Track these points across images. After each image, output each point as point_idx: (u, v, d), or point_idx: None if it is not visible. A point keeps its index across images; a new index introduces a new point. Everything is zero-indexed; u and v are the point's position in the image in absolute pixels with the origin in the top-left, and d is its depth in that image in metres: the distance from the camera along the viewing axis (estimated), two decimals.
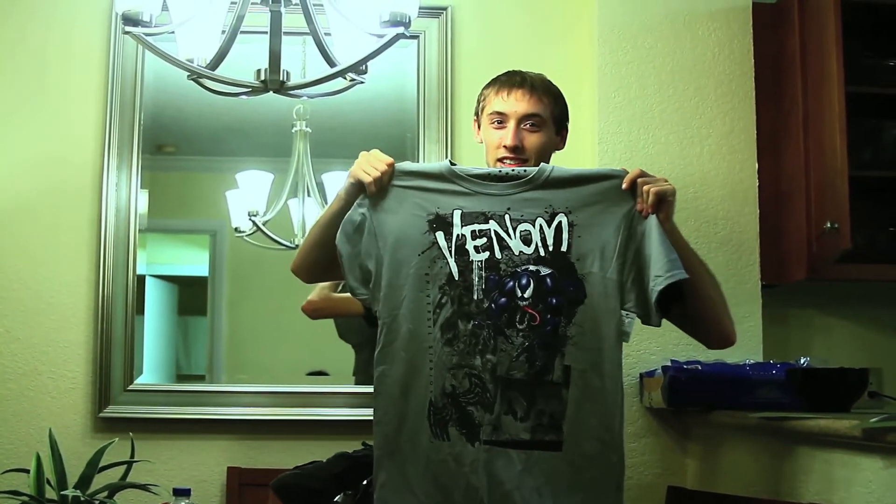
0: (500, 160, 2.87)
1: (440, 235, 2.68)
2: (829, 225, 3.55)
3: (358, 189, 2.75)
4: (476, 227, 2.68)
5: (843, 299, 4.18)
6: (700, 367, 3.46)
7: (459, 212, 2.69)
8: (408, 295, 2.67)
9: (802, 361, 3.51)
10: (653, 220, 2.67)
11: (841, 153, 3.55)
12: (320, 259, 2.82)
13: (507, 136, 2.85)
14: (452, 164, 2.78)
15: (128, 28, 2.57)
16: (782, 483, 3.06)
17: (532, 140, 2.87)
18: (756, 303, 3.80)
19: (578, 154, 3.82)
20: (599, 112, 3.87)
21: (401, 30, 2.57)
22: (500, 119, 2.89)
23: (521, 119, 2.87)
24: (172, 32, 2.68)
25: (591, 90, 3.93)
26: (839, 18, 3.60)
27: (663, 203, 2.67)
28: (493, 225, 2.68)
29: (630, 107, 3.88)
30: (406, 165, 2.78)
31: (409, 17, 2.57)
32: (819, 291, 4.12)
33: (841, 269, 3.74)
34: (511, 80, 2.93)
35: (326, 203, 4.01)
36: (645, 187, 2.67)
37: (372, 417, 2.73)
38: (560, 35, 4.10)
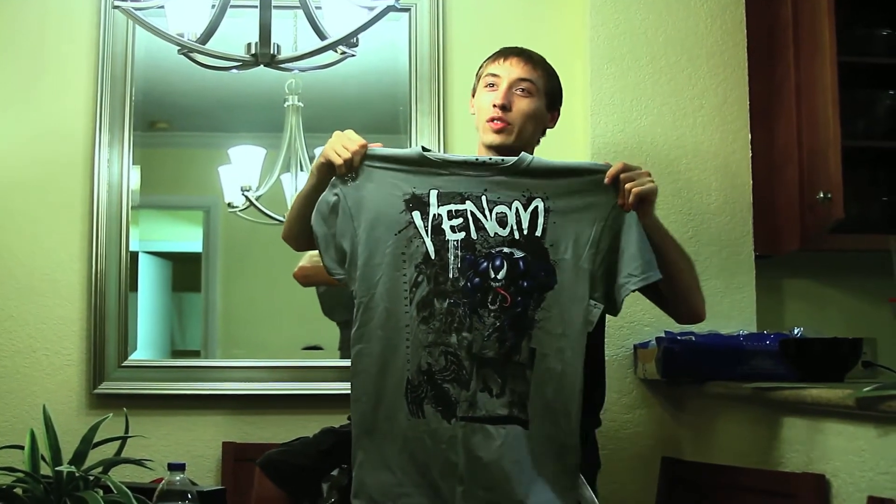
0: (490, 120, 2.89)
1: (416, 215, 2.70)
2: (821, 195, 3.56)
3: (328, 168, 2.75)
4: (453, 206, 2.70)
5: (837, 269, 4.18)
6: (694, 339, 3.47)
7: (436, 192, 2.71)
8: (384, 274, 2.68)
9: (796, 332, 3.52)
10: (633, 217, 2.69)
11: (834, 123, 3.55)
12: (303, 231, 2.84)
13: (498, 95, 2.89)
14: (425, 149, 2.78)
15: (117, 3, 2.57)
16: (776, 453, 3.07)
17: (521, 104, 2.90)
18: (749, 273, 3.81)
19: (572, 127, 3.82)
20: (592, 83, 3.86)
21: (391, 2, 2.57)
22: (493, 82, 2.93)
23: (514, 83, 2.91)
24: (162, 7, 2.67)
25: (584, 62, 3.92)
26: None
27: (644, 203, 2.68)
28: (469, 205, 2.69)
29: (623, 78, 3.87)
30: (379, 150, 2.77)
31: None
32: (812, 262, 4.12)
33: (834, 240, 3.75)
34: (509, 49, 2.98)
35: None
36: (627, 185, 2.67)
37: None
38: (552, 6, 4.09)
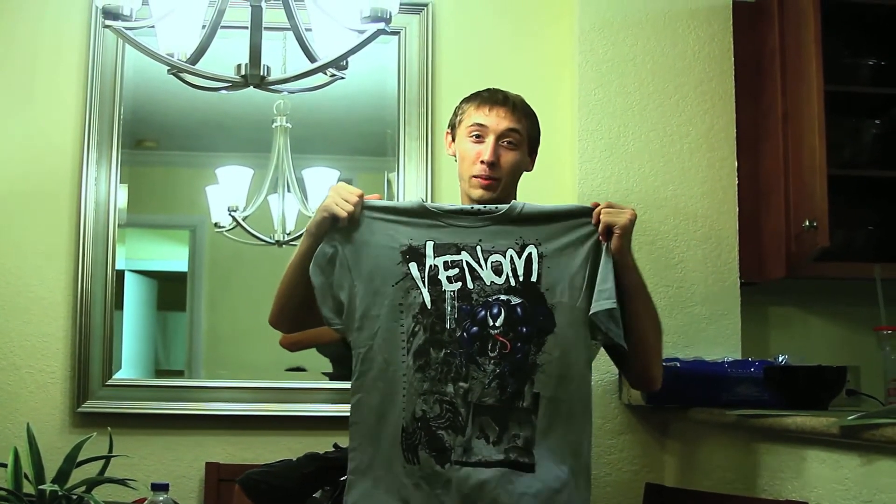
0: (475, 176, 2.89)
1: (413, 266, 2.72)
2: (807, 223, 3.57)
3: (330, 223, 2.77)
4: (448, 257, 2.73)
5: (822, 297, 4.19)
6: (679, 365, 3.48)
7: (432, 243, 2.74)
8: (382, 325, 2.71)
9: (781, 359, 3.53)
10: (604, 249, 2.71)
11: (820, 152, 3.56)
12: (299, 301, 2.84)
13: (486, 151, 2.87)
14: (423, 201, 2.82)
15: (108, 22, 2.56)
16: (760, 480, 3.07)
17: (508, 158, 2.89)
18: (735, 300, 3.82)
19: (559, 153, 3.84)
20: (580, 110, 3.87)
21: (381, 25, 2.57)
22: (480, 133, 2.90)
23: (501, 135, 2.88)
24: (152, 27, 2.67)
25: (572, 88, 3.94)
26: (819, 17, 3.61)
27: (611, 233, 2.69)
28: (464, 256, 2.73)
29: (610, 104, 3.88)
30: (377, 202, 2.81)
31: (390, 13, 2.57)
32: (798, 289, 4.13)
33: (819, 268, 3.75)
34: (494, 97, 2.94)
35: (307, 199, 4.02)
36: (601, 217, 2.70)
37: (348, 414, 2.75)
38: (541, 32, 4.10)
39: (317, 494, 3.15)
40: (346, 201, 2.75)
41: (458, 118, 3.00)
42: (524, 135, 2.92)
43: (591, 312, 2.67)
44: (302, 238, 2.85)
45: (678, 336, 3.70)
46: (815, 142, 3.59)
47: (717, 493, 3.19)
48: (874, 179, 3.93)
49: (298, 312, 2.88)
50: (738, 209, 3.87)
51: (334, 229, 2.77)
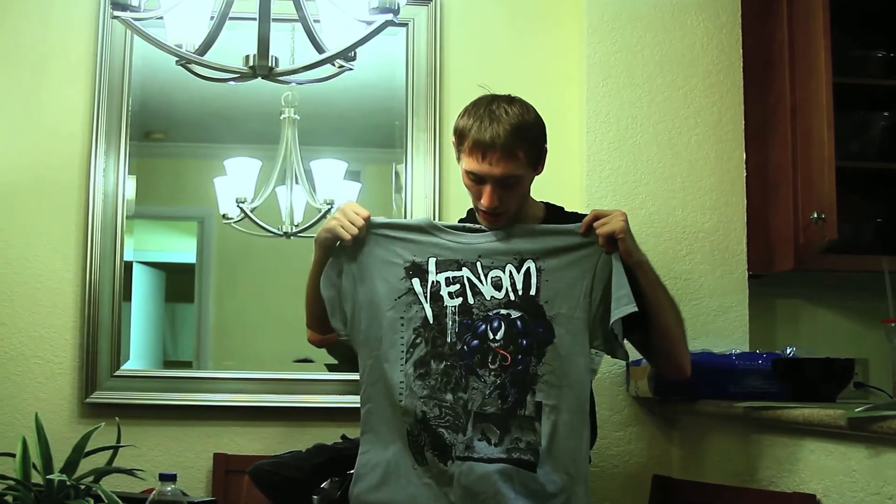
0: (481, 213, 2.85)
1: (416, 282, 2.79)
2: (815, 216, 3.56)
3: (334, 242, 2.85)
4: (450, 273, 2.79)
5: (830, 290, 4.19)
6: None
7: (434, 259, 2.81)
8: (384, 336, 2.78)
9: (788, 351, 3.53)
10: (613, 259, 2.74)
11: (828, 144, 3.56)
12: (322, 308, 2.90)
13: (485, 198, 2.77)
14: (432, 220, 2.95)
15: (116, 13, 2.56)
16: (767, 472, 3.07)
17: (510, 196, 2.80)
18: (743, 293, 3.82)
19: (567, 145, 3.83)
20: (588, 102, 3.87)
21: (390, 17, 2.57)
22: (477, 178, 2.79)
23: (497, 181, 2.76)
24: (161, 17, 2.67)
25: (580, 80, 3.93)
26: (827, 9, 3.61)
27: (614, 240, 2.72)
28: (465, 272, 2.78)
29: (618, 97, 3.88)
30: (383, 219, 2.88)
31: (399, 5, 2.57)
32: (806, 282, 4.13)
33: (827, 260, 3.75)
34: (481, 140, 2.74)
35: (315, 191, 4.02)
36: (598, 230, 2.73)
37: (355, 405, 2.87)
38: (549, 25, 4.10)
39: (325, 485, 3.16)
40: (352, 223, 2.81)
41: (457, 143, 2.85)
42: (522, 166, 2.77)
43: (612, 320, 2.70)
44: (314, 250, 2.92)
45: (686, 328, 3.70)
46: (823, 134, 3.59)
47: (725, 485, 3.19)
48: (882, 172, 3.93)
49: (325, 317, 2.91)
50: (746, 201, 3.87)
51: (342, 245, 2.84)
